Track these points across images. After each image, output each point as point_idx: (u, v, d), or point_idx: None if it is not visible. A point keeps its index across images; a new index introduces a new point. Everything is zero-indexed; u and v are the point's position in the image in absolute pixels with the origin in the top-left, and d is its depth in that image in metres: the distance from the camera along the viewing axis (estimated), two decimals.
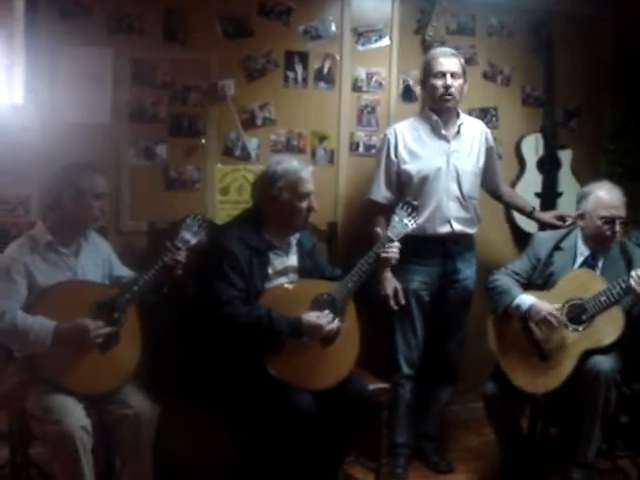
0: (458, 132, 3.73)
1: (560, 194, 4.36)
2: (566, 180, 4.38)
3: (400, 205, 3.35)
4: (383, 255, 3.22)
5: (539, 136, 4.35)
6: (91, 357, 2.94)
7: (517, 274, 3.57)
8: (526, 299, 3.41)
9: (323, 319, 3.09)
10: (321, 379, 3.13)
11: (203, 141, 3.78)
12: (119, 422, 2.98)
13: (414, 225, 3.33)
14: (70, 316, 2.91)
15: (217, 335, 3.09)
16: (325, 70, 3.96)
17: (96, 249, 3.21)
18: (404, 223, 3.30)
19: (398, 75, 4.08)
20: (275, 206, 3.22)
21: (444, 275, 3.77)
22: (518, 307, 3.41)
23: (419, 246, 3.64)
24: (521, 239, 4.26)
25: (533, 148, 4.35)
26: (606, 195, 3.46)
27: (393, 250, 3.24)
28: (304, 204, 3.21)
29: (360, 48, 4.01)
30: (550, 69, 4.31)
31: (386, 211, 3.64)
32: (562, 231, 3.68)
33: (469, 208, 3.75)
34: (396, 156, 3.71)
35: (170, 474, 3.17)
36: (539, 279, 3.55)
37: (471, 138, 3.78)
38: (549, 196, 4.33)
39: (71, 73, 3.56)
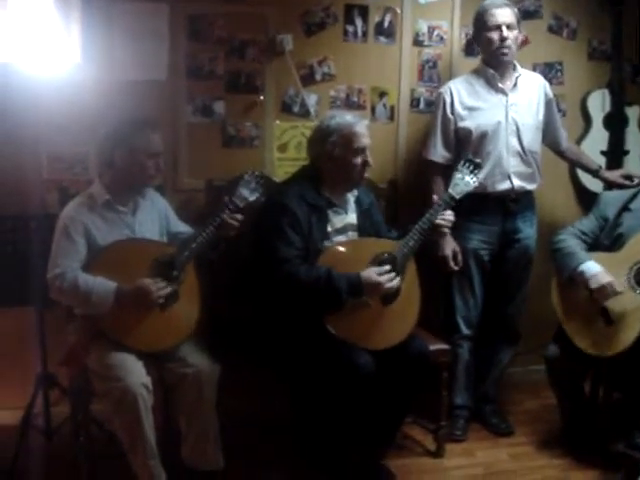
0: (515, 85, 3.64)
1: (627, 152, 4.21)
2: (633, 138, 4.23)
3: (462, 162, 3.29)
4: (437, 221, 3.16)
5: (606, 92, 4.21)
6: (151, 315, 2.96)
7: (584, 234, 3.47)
8: (592, 267, 3.31)
9: (383, 276, 3.04)
10: (381, 338, 3.09)
11: (261, 97, 3.75)
12: (180, 381, 2.99)
13: (476, 183, 3.27)
14: (129, 274, 2.92)
15: (276, 293, 3.06)
16: (385, 24, 3.87)
17: (153, 206, 3.21)
18: (466, 181, 3.24)
19: (460, 29, 3.98)
20: (330, 162, 3.16)
21: (504, 234, 3.70)
22: (582, 273, 3.32)
23: (478, 204, 3.58)
24: (585, 199, 4.16)
25: (599, 104, 4.21)
26: None
27: (448, 218, 3.18)
28: (358, 159, 3.14)
29: (421, 1, 3.91)
30: (618, 22, 4.12)
31: (444, 170, 3.60)
32: (630, 191, 3.55)
33: (530, 163, 3.66)
34: (452, 113, 3.63)
35: (230, 433, 3.16)
36: (606, 240, 3.45)
37: (529, 91, 3.68)
38: (615, 154, 4.18)
39: (127, 30, 3.55)
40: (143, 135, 3.02)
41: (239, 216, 3.08)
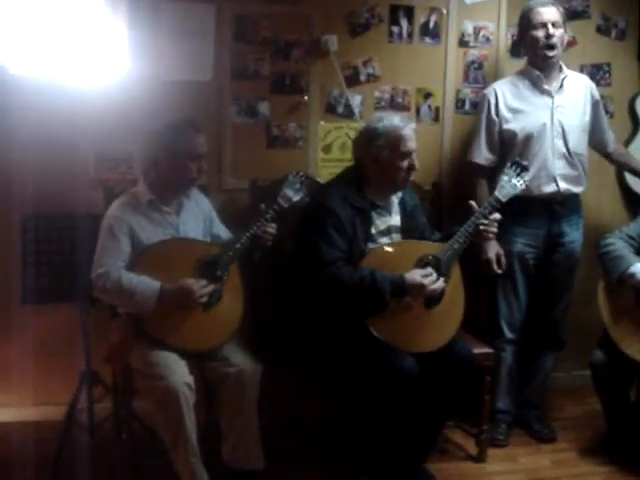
0: (561, 86, 3.59)
1: None
2: None
3: (509, 165, 3.25)
4: (482, 228, 3.12)
5: None
6: (194, 314, 2.96)
7: (631, 238, 3.42)
8: None
9: (427, 278, 3.02)
10: (425, 341, 3.07)
11: (306, 98, 3.75)
12: (222, 380, 3.00)
13: (523, 186, 3.23)
14: (173, 274, 2.93)
15: (319, 295, 3.05)
16: (431, 24, 3.86)
17: (197, 206, 3.22)
18: (513, 183, 3.20)
19: (507, 29, 3.94)
20: (375, 165, 3.14)
21: (549, 238, 3.65)
22: (633, 275, 3.28)
23: (523, 207, 3.53)
24: (633, 202, 4.12)
25: None
26: None
27: (494, 217, 3.14)
28: (405, 163, 3.12)
29: (467, 1, 3.88)
30: None
31: (487, 173, 3.59)
32: None
33: (576, 165, 3.62)
34: (497, 115, 3.60)
35: (271, 434, 3.17)
36: None
37: (575, 92, 3.64)
38: None
39: (173, 30, 3.56)
40: (187, 138, 3.03)
41: (272, 228, 3.10)
